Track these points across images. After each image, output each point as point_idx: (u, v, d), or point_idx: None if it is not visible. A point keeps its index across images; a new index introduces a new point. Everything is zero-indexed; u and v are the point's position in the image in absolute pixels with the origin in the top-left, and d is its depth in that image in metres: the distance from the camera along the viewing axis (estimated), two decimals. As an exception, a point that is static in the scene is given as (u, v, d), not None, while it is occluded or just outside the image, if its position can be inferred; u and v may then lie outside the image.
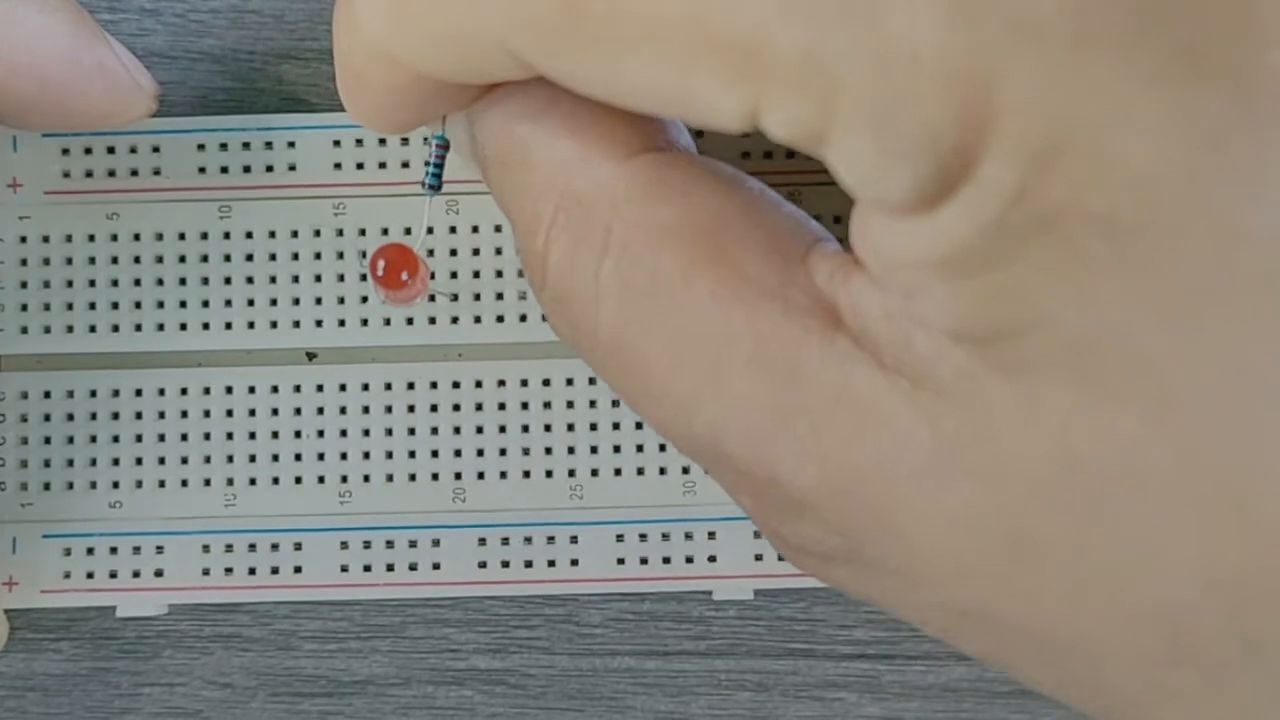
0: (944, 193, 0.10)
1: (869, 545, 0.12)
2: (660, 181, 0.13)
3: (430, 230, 0.18)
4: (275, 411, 0.18)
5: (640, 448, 0.18)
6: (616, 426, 0.18)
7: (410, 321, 0.18)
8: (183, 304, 0.18)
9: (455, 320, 0.18)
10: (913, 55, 0.10)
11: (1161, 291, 0.10)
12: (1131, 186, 0.10)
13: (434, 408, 0.18)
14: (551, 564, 0.18)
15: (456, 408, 0.18)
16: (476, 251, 0.18)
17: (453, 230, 0.18)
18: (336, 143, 0.18)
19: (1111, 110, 0.09)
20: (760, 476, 0.12)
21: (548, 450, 0.18)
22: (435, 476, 0.18)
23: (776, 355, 0.12)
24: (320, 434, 0.18)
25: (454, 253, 0.18)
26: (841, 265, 0.12)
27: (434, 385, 0.18)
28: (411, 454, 0.18)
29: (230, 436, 0.18)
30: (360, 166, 0.18)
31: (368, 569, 0.18)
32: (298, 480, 0.18)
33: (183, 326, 0.18)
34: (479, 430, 0.18)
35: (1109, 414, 0.10)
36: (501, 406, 0.18)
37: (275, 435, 0.18)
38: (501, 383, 0.18)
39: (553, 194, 0.13)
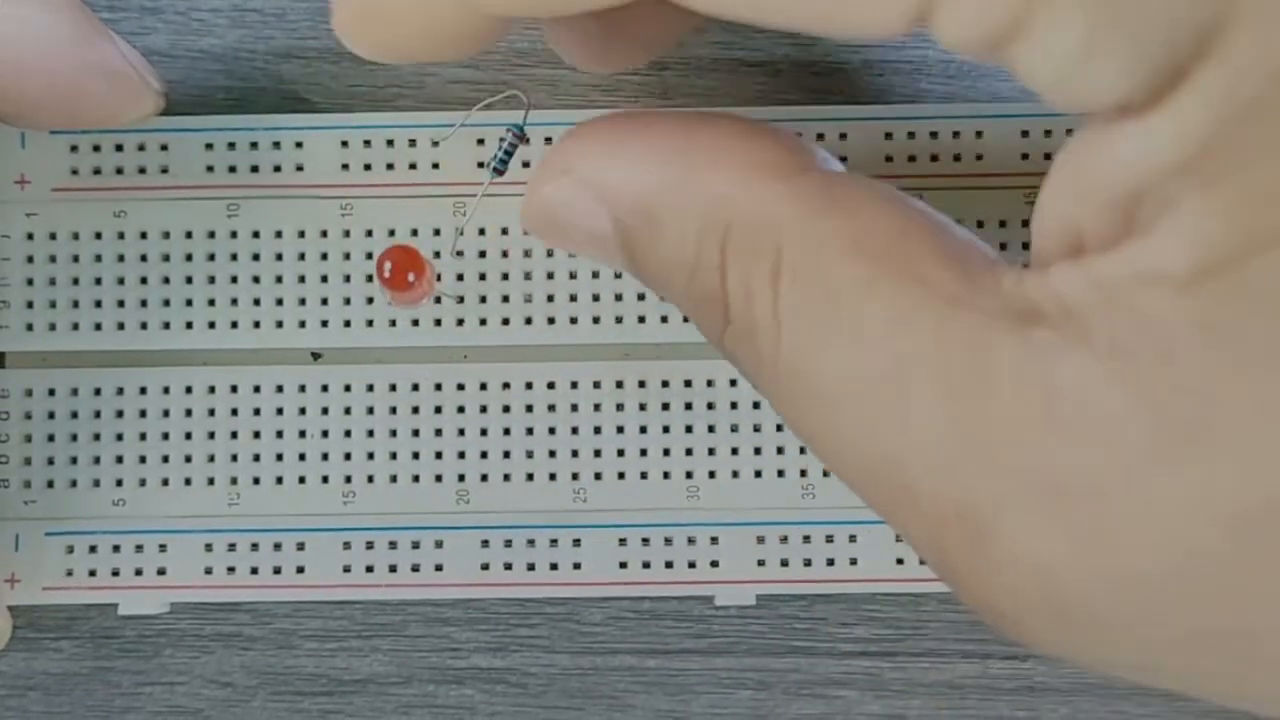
0: (1172, 81, 0.09)
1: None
2: (828, 198, 0.12)
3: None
4: (280, 411, 0.18)
5: (644, 451, 0.18)
6: (620, 430, 0.18)
7: (415, 323, 0.18)
8: (189, 302, 0.18)
9: (461, 322, 0.18)
10: None
11: None
12: None
13: (438, 409, 0.18)
14: (554, 567, 0.18)
15: (461, 409, 0.18)
16: (483, 254, 0.18)
17: (459, 232, 0.18)
18: (344, 143, 0.18)
19: None
20: (945, 512, 0.11)
21: (551, 453, 0.18)
22: (439, 478, 0.18)
23: (966, 366, 0.11)
24: (324, 434, 0.18)
25: (460, 254, 0.18)
26: (1029, 271, 0.11)
27: (438, 387, 0.18)
28: (415, 455, 0.18)
29: (234, 436, 0.18)
30: (368, 168, 0.18)
31: (370, 570, 0.18)
32: (301, 480, 0.18)
33: (188, 325, 0.18)
34: (483, 432, 0.18)
35: None
36: (506, 409, 0.18)
37: (279, 435, 0.18)
38: (506, 385, 0.18)
39: (715, 231, 0.12)
